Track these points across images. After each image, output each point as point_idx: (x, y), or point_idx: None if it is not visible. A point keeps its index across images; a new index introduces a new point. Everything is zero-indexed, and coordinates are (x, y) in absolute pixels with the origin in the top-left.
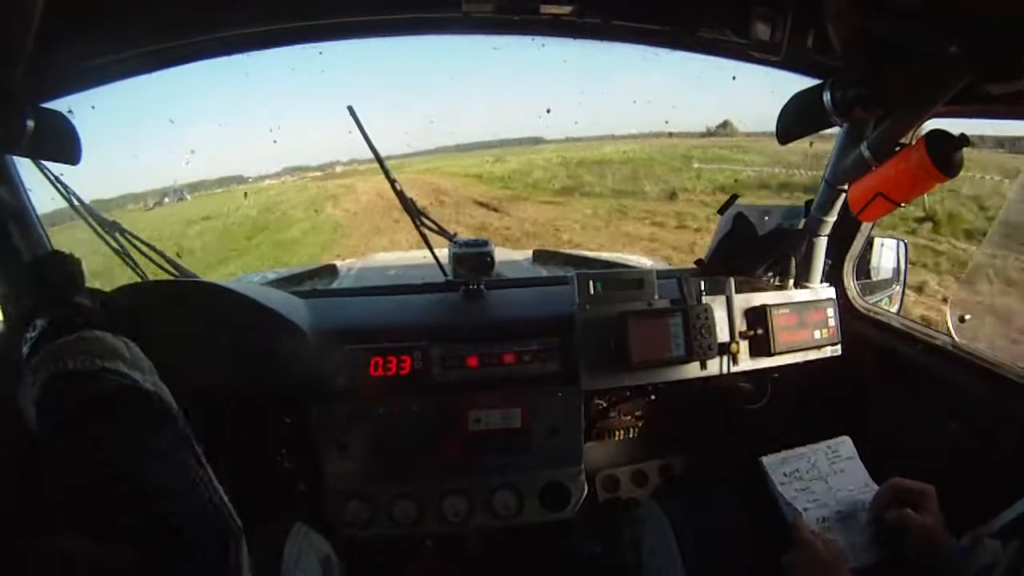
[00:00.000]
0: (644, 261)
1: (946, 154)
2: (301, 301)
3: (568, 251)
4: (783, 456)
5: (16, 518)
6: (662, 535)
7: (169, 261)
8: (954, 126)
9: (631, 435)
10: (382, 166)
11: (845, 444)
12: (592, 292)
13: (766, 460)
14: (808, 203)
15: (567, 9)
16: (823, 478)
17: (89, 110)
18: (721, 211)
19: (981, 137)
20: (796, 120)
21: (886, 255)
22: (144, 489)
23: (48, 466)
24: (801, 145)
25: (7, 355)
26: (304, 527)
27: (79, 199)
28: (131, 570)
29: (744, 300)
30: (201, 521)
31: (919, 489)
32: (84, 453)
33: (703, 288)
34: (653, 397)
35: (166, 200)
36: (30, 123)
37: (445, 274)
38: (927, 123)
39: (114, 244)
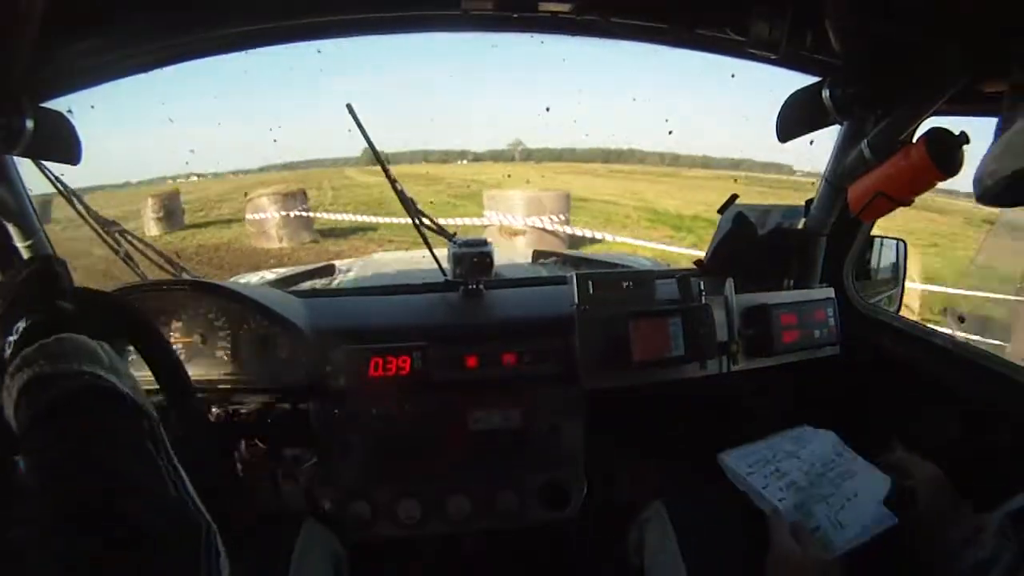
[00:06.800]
0: (644, 261)
1: (946, 152)
2: (300, 301)
3: (568, 251)
4: (743, 450)
5: None
6: (665, 535)
7: (169, 261)
8: (954, 124)
9: (631, 435)
10: (381, 164)
11: (805, 430)
12: (592, 292)
13: (725, 456)
14: (808, 202)
15: (566, 7)
16: (793, 455)
17: (89, 109)
18: (721, 211)
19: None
20: (795, 118)
21: (886, 255)
22: (112, 483)
23: (25, 465)
24: None
25: None
26: (315, 523)
27: (80, 199)
28: (95, 563)
29: (744, 300)
30: (169, 518)
31: None
32: (53, 445)
33: (703, 288)
34: (653, 397)
35: None
36: (30, 123)
37: (444, 274)
38: (927, 121)
39: (114, 244)
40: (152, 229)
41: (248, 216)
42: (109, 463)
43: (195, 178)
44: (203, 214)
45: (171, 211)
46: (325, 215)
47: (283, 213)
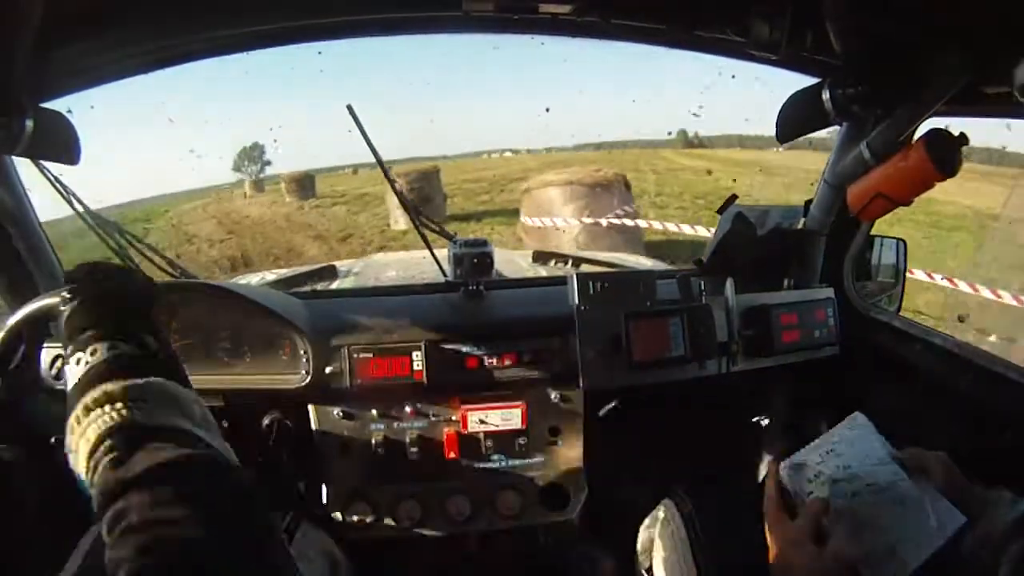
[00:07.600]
0: (644, 261)
1: (945, 153)
2: (301, 302)
3: (568, 251)
4: (801, 456)
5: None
6: (675, 535)
7: (168, 262)
8: (954, 125)
9: (631, 436)
10: (381, 166)
11: (859, 417)
12: (592, 292)
13: (784, 467)
14: (808, 203)
15: (566, 8)
16: (848, 441)
17: (88, 110)
18: (721, 211)
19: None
20: (795, 119)
21: (886, 255)
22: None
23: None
24: None
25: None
26: (309, 524)
27: (79, 199)
28: None
29: (744, 300)
30: None
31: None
32: (149, 525)
33: (703, 288)
34: (653, 397)
35: None
36: (29, 123)
37: (445, 274)
38: (927, 122)
39: (113, 245)
40: (399, 221)
41: (524, 219)
42: (209, 552)
43: (508, 153)
44: (486, 198)
45: (423, 197)
46: (657, 223)
47: (587, 219)
